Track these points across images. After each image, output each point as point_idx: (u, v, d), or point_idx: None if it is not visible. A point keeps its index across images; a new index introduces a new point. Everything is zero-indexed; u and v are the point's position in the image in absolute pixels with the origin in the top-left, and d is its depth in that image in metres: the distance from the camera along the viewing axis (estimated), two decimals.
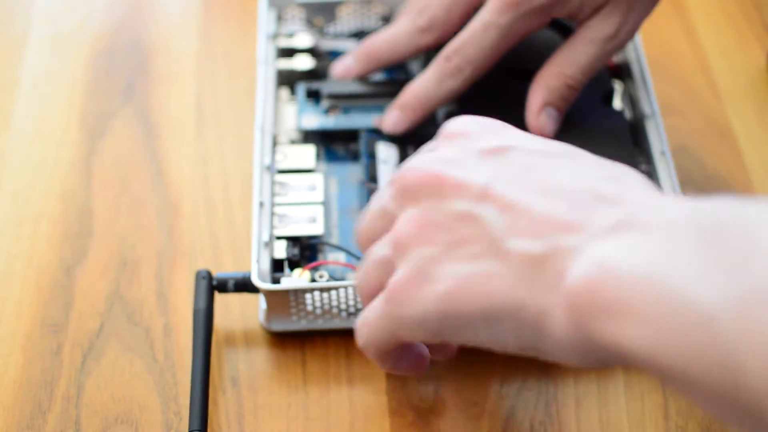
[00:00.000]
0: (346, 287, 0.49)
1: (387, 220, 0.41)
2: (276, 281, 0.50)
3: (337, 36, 0.62)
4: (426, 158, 0.40)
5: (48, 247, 0.55)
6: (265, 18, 0.61)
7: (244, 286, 0.50)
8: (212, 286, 0.50)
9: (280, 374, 0.50)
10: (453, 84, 0.53)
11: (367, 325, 0.41)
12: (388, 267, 0.40)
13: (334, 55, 0.61)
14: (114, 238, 0.55)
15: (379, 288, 0.40)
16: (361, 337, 0.42)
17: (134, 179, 0.58)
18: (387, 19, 0.63)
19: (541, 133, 0.52)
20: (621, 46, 0.52)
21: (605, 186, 0.36)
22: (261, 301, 0.52)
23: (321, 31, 0.62)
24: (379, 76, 0.60)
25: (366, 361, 0.50)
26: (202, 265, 0.54)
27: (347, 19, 0.63)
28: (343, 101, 0.58)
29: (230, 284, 0.50)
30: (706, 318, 0.30)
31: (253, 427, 0.48)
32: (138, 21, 0.67)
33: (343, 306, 0.50)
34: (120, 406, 0.49)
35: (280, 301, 0.49)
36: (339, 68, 0.58)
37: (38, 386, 0.50)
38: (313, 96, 0.58)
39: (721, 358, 0.30)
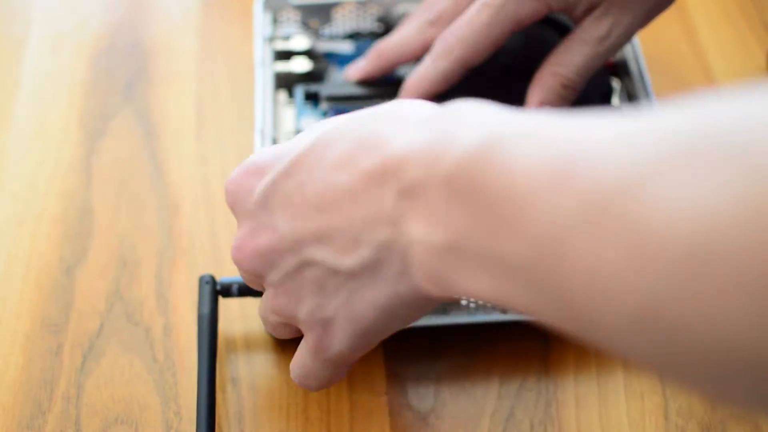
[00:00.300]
0: None
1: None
2: None
3: (333, 38, 0.62)
4: (238, 243, 0.42)
5: (48, 247, 0.55)
6: (261, 21, 0.61)
7: (248, 290, 0.50)
8: (216, 290, 0.50)
9: (280, 374, 0.50)
10: (444, 64, 0.53)
11: (310, 377, 0.44)
12: (289, 323, 0.43)
13: (331, 57, 0.61)
14: (114, 238, 0.55)
15: (294, 331, 0.44)
16: (312, 385, 0.44)
17: (134, 179, 0.58)
18: (383, 20, 0.63)
19: None
20: (615, 49, 0.52)
21: (363, 165, 0.37)
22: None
23: (317, 33, 0.62)
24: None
25: (366, 362, 0.50)
26: (202, 265, 0.54)
27: (343, 20, 0.63)
28: (342, 103, 0.58)
29: (234, 289, 0.50)
30: (523, 268, 0.32)
31: (253, 427, 0.48)
32: (138, 21, 0.67)
33: None
34: (120, 406, 0.49)
35: None
36: (352, 70, 0.58)
37: (38, 386, 0.50)
38: (312, 98, 0.58)
39: (548, 295, 0.31)
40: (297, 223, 0.39)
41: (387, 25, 0.63)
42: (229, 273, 0.54)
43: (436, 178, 0.34)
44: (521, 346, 0.51)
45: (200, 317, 0.49)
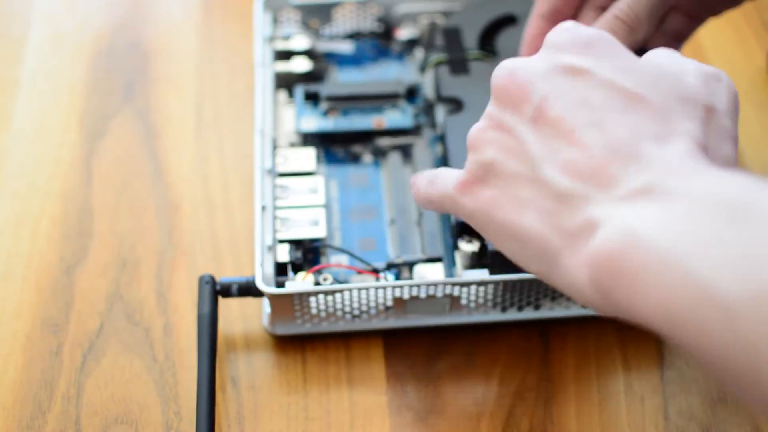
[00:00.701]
0: (350, 290, 0.49)
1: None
2: (280, 285, 0.50)
3: (333, 38, 0.63)
4: (515, 62, 0.40)
5: (48, 247, 0.55)
6: (261, 21, 0.61)
7: (248, 290, 0.50)
8: (216, 290, 0.50)
9: (280, 374, 0.50)
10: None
11: (433, 189, 0.43)
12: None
13: (331, 57, 0.61)
14: (114, 238, 0.55)
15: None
16: (420, 193, 0.44)
17: (134, 179, 0.58)
18: (383, 20, 0.63)
19: None
20: None
21: (647, 144, 0.36)
22: (264, 305, 0.52)
23: (317, 33, 0.62)
24: (376, 78, 0.60)
25: (366, 362, 0.51)
26: (202, 265, 0.54)
27: (343, 20, 0.63)
28: (342, 103, 0.58)
29: (234, 289, 0.50)
30: (725, 308, 0.31)
31: (253, 427, 0.48)
32: (138, 21, 0.67)
33: (347, 309, 0.50)
34: (120, 406, 0.49)
35: (284, 304, 0.49)
36: None
37: (38, 386, 0.50)
38: (312, 98, 0.59)
39: (740, 347, 0.30)
40: (559, 105, 0.37)
41: (387, 25, 0.63)
42: (229, 273, 0.54)
43: (703, 195, 0.33)
44: (521, 346, 0.51)
45: (200, 317, 0.49)
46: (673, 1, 0.51)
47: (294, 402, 0.49)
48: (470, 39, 0.58)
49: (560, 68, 0.38)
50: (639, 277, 0.33)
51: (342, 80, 0.61)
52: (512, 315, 0.51)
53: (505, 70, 0.39)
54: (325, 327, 0.51)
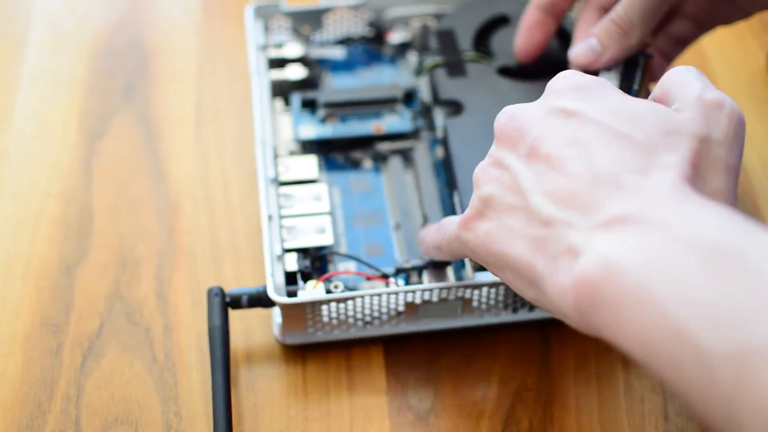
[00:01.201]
0: (362, 296, 0.48)
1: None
2: (291, 294, 0.50)
3: (325, 44, 0.62)
4: (516, 108, 0.42)
5: (48, 247, 0.55)
6: (252, 29, 0.60)
7: (259, 300, 0.50)
8: (226, 302, 0.50)
9: (280, 374, 0.50)
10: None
11: (439, 235, 0.46)
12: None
13: (324, 63, 0.61)
14: (114, 238, 0.55)
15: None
16: (428, 243, 0.47)
17: (134, 179, 0.58)
18: (374, 25, 0.62)
19: (576, 64, 0.51)
20: None
21: (630, 175, 0.37)
22: (274, 315, 0.51)
23: (307, 40, 0.62)
24: (373, 83, 0.60)
25: (366, 362, 0.50)
26: (202, 265, 0.54)
27: (334, 26, 0.62)
28: (340, 109, 0.58)
29: (244, 300, 0.50)
30: (702, 356, 0.31)
31: (253, 427, 0.48)
32: (138, 21, 0.67)
33: (359, 315, 0.50)
34: (120, 406, 0.49)
35: (297, 314, 0.49)
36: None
37: (38, 386, 0.50)
38: (309, 106, 0.58)
39: (719, 398, 0.31)
40: (550, 142, 0.40)
41: (378, 29, 0.63)
42: (229, 273, 0.54)
43: (683, 232, 0.34)
44: (521, 346, 0.51)
45: (211, 330, 0.49)
46: (676, 8, 0.51)
47: (294, 402, 0.49)
48: (465, 41, 0.58)
49: (555, 111, 0.40)
50: (617, 309, 0.35)
51: (336, 86, 0.60)
52: (512, 315, 0.51)
53: (506, 115, 0.42)
54: (337, 335, 0.50)
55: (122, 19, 0.67)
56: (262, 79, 0.58)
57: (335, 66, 0.62)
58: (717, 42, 0.65)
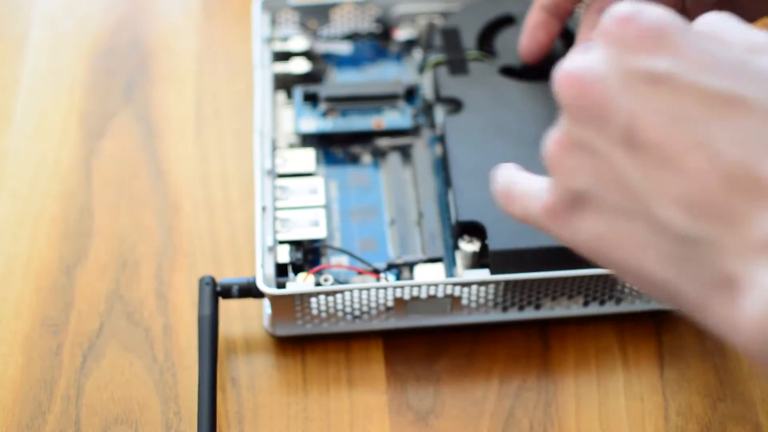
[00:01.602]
0: (351, 290, 0.49)
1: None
2: (281, 286, 0.50)
3: (331, 39, 0.62)
4: (578, 65, 0.33)
5: (48, 247, 0.55)
6: (259, 21, 0.60)
7: (249, 291, 0.50)
8: (216, 292, 0.50)
9: (280, 374, 0.50)
10: None
11: (513, 206, 0.37)
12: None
13: (330, 58, 0.61)
14: (114, 238, 0.55)
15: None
16: (500, 203, 0.37)
17: (134, 179, 0.58)
18: (381, 21, 0.63)
19: None
20: None
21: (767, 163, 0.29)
22: (265, 306, 0.52)
23: (314, 34, 0.62)
24: (374, 79, 0.60)
25: (366, 362, 0.50)
26: (202, 265, 0.54)
27: (341, 21, 0.63)
28: (341, 104, 0.58)
29: (234, 290, 0.50)
30: None
31: (253, 427, 0.48)
32: (138, 21, 0.67)
33: (348, 309, 0.50)
34: (120, 406, 0.49)
35: (285, 305, 0.49)
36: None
37: (38, 386, 0.50)
38: (311, 99, 0.58)
39: None
40: (650, 124, 0.31)
41: (385, 26, 0.63)
42: (229, 273, 0.54)
43: None
44: (521, 346, 0.51)
45: (200, 319, 0.49)
46: (679, 12, 0.49)
47: (294, 402, 0.49)
48: (469, 39, 0.58)
49: (636, 75, 0.31)
50: None
51: (340, 81, 0.61)
52: (513, 315, 0.51)
53: (571, 77, 0.32)
54: (326, 328, 0.50)
55: (122, 19, 0.67)
56: (265, 72, 0.58)
57: (341, 61, 0.62)
58: None
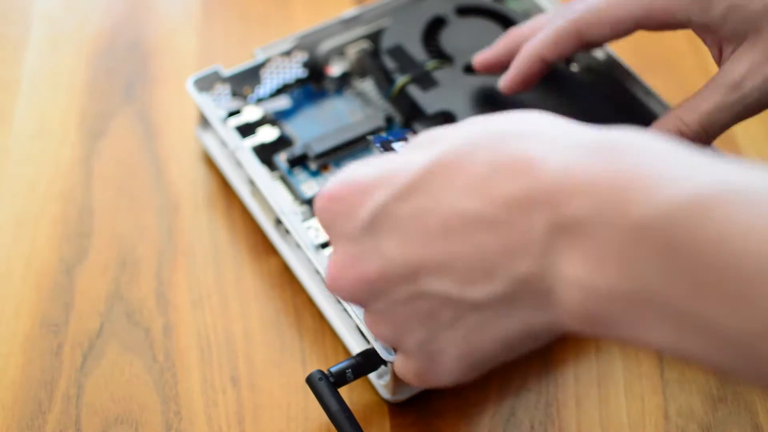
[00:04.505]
0: None
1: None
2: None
3: (262, 99, 0.59)
4: (338, 268, 0.38)
5: (48, 247, 0.55)
6: (205, 104, 0.57)
7: (363, 369, 0.47)
8: (332, 383, 0.46)
9: (280, 374, 0.50)
10: (560, 22, 0.49)
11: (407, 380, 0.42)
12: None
13: (279, 115, 0.58)
14: (114, 238, 0.55)
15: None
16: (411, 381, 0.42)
17: (134, 179, 0.58)
18: (308, 65, 0.60)
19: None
20: (749, 101, 0.45)
21: (505, 190, 0.33)
22: (372, 378, 0.49)
23: (245, 99, 0.59)
24: (358, 119, 0.58)
25: None
26: (202, 265, 0.54)
27: (270, 78, 0.60)
28: (331, 156, 0.56)
29: (349, 374, 0.46)
30: (742, 341, 0.29)
31: (253, 427, 0.48)
32: (138, 21, 0.67)
33: None
34: (120, 406, 0.49)
35: None
36: (480, 58, 0.54)
37: (38, 386, 0.50)
38: (298, 162, 0.56)
39: (757, 359, 0.29)
40: (413, 250, 0.35)
41: (313, 68, 0.60)
42: (229, 272, 0.54)
43: (618, 221, 0.30)
44: None
45: (333, 415, 0.45)
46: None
47: (294, 402, 0.49)
48: (417, 52, 0.58)
49: (366, 228, 0.37)
50: (622, 323, 0.32)
51: (299, 134, 0.57)
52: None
53: (343, 280, 0.38)
54: None
55: (122, 19, 0.67)
56: (244, 153, 0.54)
57: (284, 115, 0.59)
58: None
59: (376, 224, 0.36)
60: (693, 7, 0.44)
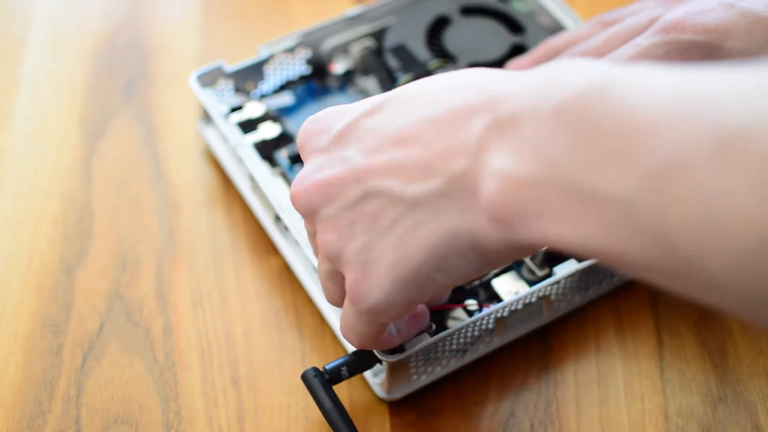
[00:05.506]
0: (459, 329, 0.47)
1: (316, 241, 0.44)
2: (395, 351, 0.47)
3: (265, 95, 0.59)
4: (300, 179, 0.42)
5: (48, 247, 0.55)
6: (208, 100, 0.57)
7: (358, 367, 0.47)
8: (327, 380, 0.46)
9: (280, 374, 0.50)
10: None
11: (351, 330, 0.43)
12: (337, 275, 0.43)
13: (282, 111, 0.59)
14: (114, 238, 0.55)
15: (343, 293, 0.43)
16: (353, 340, 0.44)
17: (134, 179, 0.58)
18: (311, 62, 0.60)
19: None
20: None
21: (454, 100, 0.38)
22: (367, 377, 0.50)
23: (249, 95, 0.59)
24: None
25: None
26: (202, 265, 0.54)
27: (274, 74, 0.60)
28: None
29: (344, 372, 0.47)
30: (626, 205, 0.31)
31: (253, 427, 0.48)
32: (138, 21, 0.67)
33: (456, 347, 0.49)
34: (120, 406, 0.49)
35: (402, 367, 0.47)
36: (516, 66, 0.55)
37: (38, 386, 0.50)
38: (299, 159, 0.56)
39: (648, 236, 0.31)
40: (371, 155, 0.40)
41: (317, 65, 0.61)
42: (229, 273, 0.54)
43: (540, 110, 0.34)
44: (521, 347, 0.51)
45: (327, 413, 0.45)
46: None
47: (294, 402, 0.49)
48: (420, 51, 0.58)
49: (334, 141, 0.42)
50: (531, 210, 0.35)
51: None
52: (593, 293, 0.52)
53: (303, 186, 0.42)
54: (440, 372, 0.49)
55: (122, 19, 0.67)
56: (245, 149, 0.55)
57: (287, 112, 0.59)
58: None
59: (344, 136, 0.41)
60: (706, 51, 0.47)
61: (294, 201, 0.42)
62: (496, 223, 0.36)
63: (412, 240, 0.39)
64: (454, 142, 0.37)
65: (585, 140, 0.33)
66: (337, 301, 0.44)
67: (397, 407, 0.49)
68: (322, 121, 0.42)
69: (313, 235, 0.43)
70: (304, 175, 0.42)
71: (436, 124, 0.38)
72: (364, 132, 0.40)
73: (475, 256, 0.38)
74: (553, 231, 0.34)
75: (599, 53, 0.51)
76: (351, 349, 0.49)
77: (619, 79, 0.33)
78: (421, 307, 0.47)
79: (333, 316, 0.51)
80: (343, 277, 0.42)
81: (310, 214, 0.42)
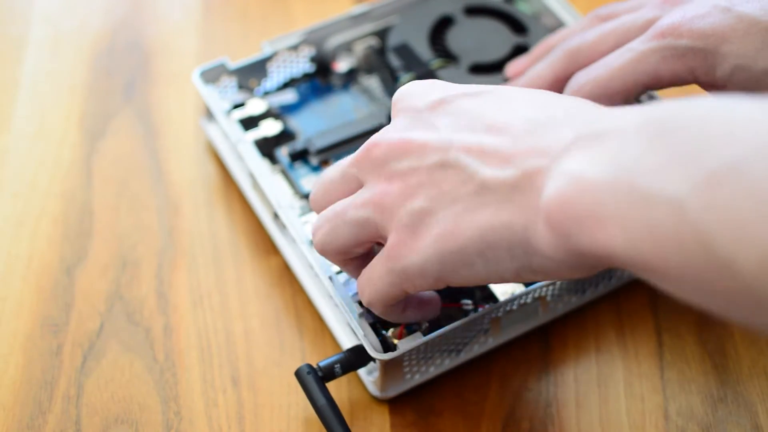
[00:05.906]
0: (454, 328, 0.47)
1: (351, 185, 0.44)
2: (387, 349, 0.47)
3: (269, 92, 0.59)
4: (387, 132, 0.43)
5: (48, 247, 0.55)
6: (210, 96, 0.57)
7: (352, 365, 0.47)
8: (320, 377, 0.46)
9: (280, 374, 0.50)
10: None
11: (370, 283, 0.43)
12: (370, 226, 0.43)
13: (285, 109, 0.59)
14: (114, 238, 0.55)
15: (358, 243, 0.44)
16: (366, 295, 0.44)
17: (134, 179, 0.58)
18: (315, 59, 0.60)
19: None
20: None
21: (553, 111, 0.39)
22: (361, 375, 0.50)
23: (252, 92, 0.59)
24: (359, 116, 0.58)
25: None
26: (202, 264, 0.54)
27: (277, 72, 0.60)
28: (333, 151, 0.56)
29: (337, 369, 0.47)
30: (674, 206, 0.32)
31: (254, 427, 0.48)
32: (138, 21, 0.67)
33: (451, 347, 0.49)
34: (120, 406, 0.49)
35: (396, 366, 0.47)
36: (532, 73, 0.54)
37: (38, 386, 0.50)
38: (299, 157, 0.56)
39: (697, 242, 0.32)
40: (461, 132, 0.41)
41: (321, 63, 0.61)
42: (229, 273, 0.54)
43: (629, 127, 0.35)
44: (521, 347, 0.51)
45: (320, 410, 0.46)
46: None
47: (294, 402, 0.49)
48: (423, 50, 0.58)
49: (430, 108, 0.43)
50: (591, 212, 0.35)
51: (303, 129, 0.58)
52: (590, 295, 0.52)
53: (389, 139, 0.42)
54: (434, 371, 0.49)
55: (122, 19, 0.67)
56: (246, 146, 0.55)
57: (290, 109, 0.59)
58: None
59: (439, 106, 0.42)
60: (699, 69, 0.47)
61: (373, 148, 0.42)
62: (551, 225, 0.37)
63: (468, 219, 0.39)
64: (540, 143, 0.38)
65: (659, 145, 0.34)
66: (345, 248, 0.44)
67: (396, 407, 0.49)
68: (423, 86, 0.43)
69: (349, 179, 0.44)
70: (391, 130, 0.43)
71: (530, 124, 0.39)
72: (460, 110, 0.41)
73: (522, 255, 0.39)
74: (603, 236, 0.35)
75: (592, 48, 0.51)
76: (346, 347, 0.49)
77: (696, 103, 0.34)
78: (435, 297, 0.47)
79: (333, 316, 0.51)
80: (374, 231, 0.42)
81: (378, 165, 0.42)
